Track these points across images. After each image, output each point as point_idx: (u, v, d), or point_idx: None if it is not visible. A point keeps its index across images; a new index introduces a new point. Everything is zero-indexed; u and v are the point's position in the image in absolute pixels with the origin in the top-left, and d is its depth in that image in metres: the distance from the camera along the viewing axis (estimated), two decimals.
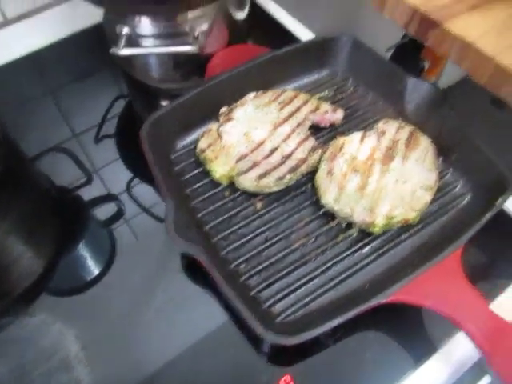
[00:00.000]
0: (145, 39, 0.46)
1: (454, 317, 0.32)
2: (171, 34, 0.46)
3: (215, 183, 0.45)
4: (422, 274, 0.35)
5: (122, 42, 0.44)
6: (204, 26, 0.47)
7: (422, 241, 0.41)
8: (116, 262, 0.44)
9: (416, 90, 0.47)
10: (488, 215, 0.38)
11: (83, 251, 0.45)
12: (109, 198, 0.49)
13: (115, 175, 0.50)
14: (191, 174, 0.46)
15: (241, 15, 0.53)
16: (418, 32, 0.44)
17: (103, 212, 0.47)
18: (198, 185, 0.45)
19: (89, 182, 0.50)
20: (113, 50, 0.41)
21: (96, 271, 0.44)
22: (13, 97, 0.57)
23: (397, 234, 0.41)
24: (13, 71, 0.59)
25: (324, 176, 0.43)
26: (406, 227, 0.42)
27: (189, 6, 0.44)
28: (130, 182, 0.50)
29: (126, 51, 0.42)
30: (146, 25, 0.45)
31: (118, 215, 0.47)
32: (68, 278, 0.44)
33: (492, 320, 0.32)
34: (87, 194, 0.48)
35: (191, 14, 0.46)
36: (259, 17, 0.62)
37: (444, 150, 0.45)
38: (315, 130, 0.49)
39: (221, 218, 0.43)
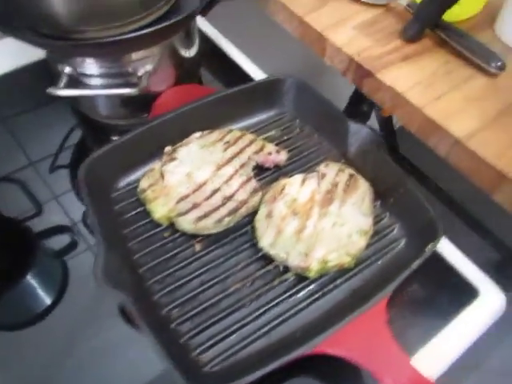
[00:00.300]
0: (86, 78, 0.46)
1: (375, 372, 0.32)
2: (114, 74, 0.46)
3: (155, 223, 0.45)
4: (347, 324, 0.35)
5: (62, 82, 0.44)
6: (148, 67, 0.47)
7: (357, 285, 0.41)
8: (66, 296, 0.43)
9: (357, 134, 0.48)
10: (417, 262, 0.38)
11: (31, 284, 0.44)
12: (61, 229, 0.48)
13: (71, 205, 0.49)
14: (131, 214, 0.46)
15: (190, 53, 0.54)
16: (354, 80, 0.45)
17: (56, 243, 0.47)
18: (137, 225, 0.45)
19: (39, 213, 0.49)
20: (49, 90, 0.41)
21: (43, 306, 0.42)
22: None
23: (333, 279, 0.41)
24: None
25: (263, 219, 0.43)
26: (342, 272, 0.42)
27: (131, 49, 0.45)
28: (85, 212, 0.48)
29: (63, 92, 0.42)
30: (87, 64, 0.45)
31: (71, 247, 0.46)
32: (11, 313, 0.43)
33: (412, 376, 0.32)
34: (40, 225, 0.48)
35: (135, 56, 0.46)
36: (212, 54, 0.63)
37: (382, 194, 0.46)
38: (260, 170, 0.49)
39: (158, 260, 0.43)
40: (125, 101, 0.51)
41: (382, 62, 0.43)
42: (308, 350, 0.34)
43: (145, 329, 0.34)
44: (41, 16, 0.40)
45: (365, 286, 0.41)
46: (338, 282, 0.41)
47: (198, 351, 0.37)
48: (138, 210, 0.46)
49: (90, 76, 0.46)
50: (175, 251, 0.43)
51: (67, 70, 0.46)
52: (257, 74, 0.61)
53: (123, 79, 0.47)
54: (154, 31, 0.42)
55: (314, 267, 0.40)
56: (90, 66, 0.46)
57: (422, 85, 0.41)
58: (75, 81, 0.46)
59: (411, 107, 0.40)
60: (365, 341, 0.34)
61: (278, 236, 0.42)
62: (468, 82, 0.41)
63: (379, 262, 0.43)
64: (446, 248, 0.44)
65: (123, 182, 0.48)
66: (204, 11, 0.46)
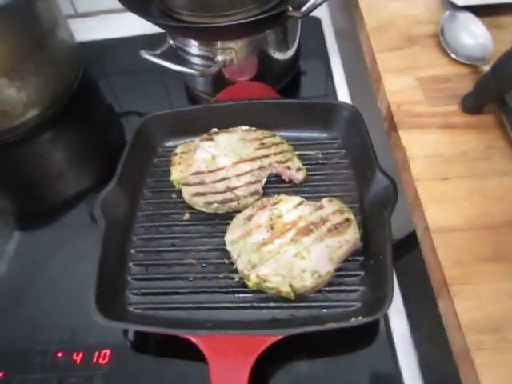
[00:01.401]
0: (180, 52, 0.56)
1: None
2: (195, 55, 0.54)
3: (172, 184, 0.52)
4: (231, 336, 0.36)
5: (160, 50, 0.54)
6: (227, 57, 0.53)
7: (283, 316, 0.41)
8: None
9: (378, 184, 0.45)
10: (327, 326, 0.37)
11: None
12: None
13: None
14: (161, 169, 0.54)
15: (282, 56, 0.58)
16: (388, 128, 0.43)
17: None
18: (159, 179, 0.53)
19: None
20: (141, 53, 0.52)
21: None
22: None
23: (269, 300, 0.42)
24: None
25: (242, 218, 0.47)
26: (283, 299, 0.42)
27: (215, 37, 0.52)
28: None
29: (148, 56, 0.52)
30: (183, 41, 0.55)
31: None
32: None
33: None
34: None
35: (220, 44, 0.53)
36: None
37: (368, 253, 0.44)
38: (280, 180, 0.52)
39: (154, 211, 0.51)
40: (209, 80, 0.59)
41: (416, 120, 0.40)
42: (192, 335, 0.37)
43: (98, 252, 0.43)
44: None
45: (286, 321, 0.41)
46: (271, 305, 0.42)
47: (134, 291, 0.44)
48: (168, 168, 0.54)
49: (182, 50, 0.56)
50: (170, 211, 0.50)
51: (171, 41, 0.56)
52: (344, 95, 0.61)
53: (201, 60, 0.55)
54: (224, 26, 0.48)
55: (252, 279, 0.42)
56: (185, 43, 0.55)
57: (438, 159, 0.37)
58: (171, 52, 0.56)
59: (409, 176, 0.37)
60: (227, 361, 0.35)
61: (243, 238, 0.45)
62: (498, 177, 0.35)
63: (323, 311, 0.42)
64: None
65: (172, 143, 0.57)
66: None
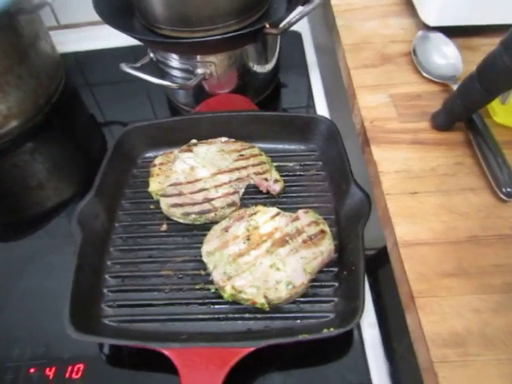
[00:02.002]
0: (160, 64, 0.56)
1: None
2: (175, 68, 0.55)
3: (150, 194, 0.52)
4: (203, 349, 0.37)
5: (140, 63, 0.55)
6: (207, 70, 0.54)
7: (257, 328, 0.42)
8: None
9: (353, 197, 0.46)
10: (297, 337, 0.37)
11: None
12: None
13: None
14: (140, 180, 0.54)
15: (261, 69, 0.59)
16: (361, 143, 0.44)
17: None
18: (138, 190, 0.53)
19: None
20: (121, 65, 0.52)
21: None
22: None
23: (244, 311, 0.43)
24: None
25: (218, 229, 0.47)
26: (257, 309, 0.43)
27: (193, 51, 0.52)
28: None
29: (128, 69, 0.52)
30: (163, 54, 0.55)
31: None
32: None
33: None
34: None
35: (200, 57, 0.54)
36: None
37: (342, 264, 0.44)
38: (258, 191, 0.52)
39: (132, 223, 0.50)
40: (190, 92, 0.59)
41: (388, 136, 0.41)
42: (166, 349, 0.37)
43: (74, 259, 0.43)
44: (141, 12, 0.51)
45: (261, 332, 0.41)
46: (247, 316, 0.43)
47: (109, 304, 0.44)
48: (147, 179, 0.54)
49: (162, 63, 0.56)
50: (148, 222, 0.50)
51: (151, 54, 0.57)
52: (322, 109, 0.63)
53: (181, 73, 0.55)
54: (201, 41, 0.49)
55: (227, 290, 0.42)
56: (165, 56, 0.55)
57: (407, 173, 0.38)
58: (152, 64, 0.57)
59: (379, 190, 0.38)
60: (201, 373, 0.35)
61: (219, 249, 0.45)
62: (465, 193, 0.36)
63: (297, 322, 0.42)
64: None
65: (152, 154, 0.57)
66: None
